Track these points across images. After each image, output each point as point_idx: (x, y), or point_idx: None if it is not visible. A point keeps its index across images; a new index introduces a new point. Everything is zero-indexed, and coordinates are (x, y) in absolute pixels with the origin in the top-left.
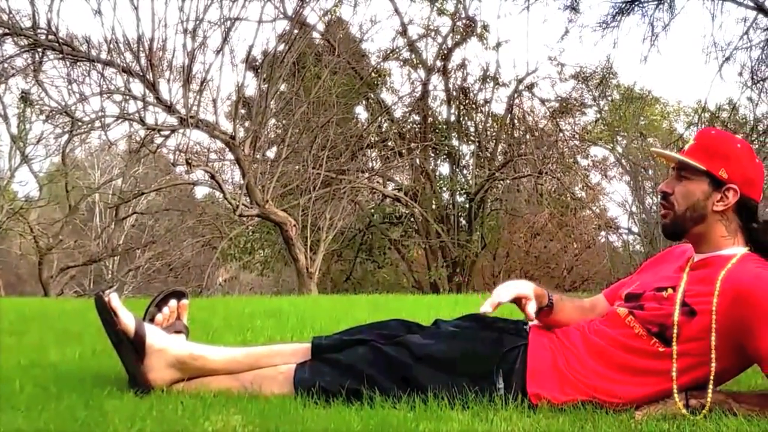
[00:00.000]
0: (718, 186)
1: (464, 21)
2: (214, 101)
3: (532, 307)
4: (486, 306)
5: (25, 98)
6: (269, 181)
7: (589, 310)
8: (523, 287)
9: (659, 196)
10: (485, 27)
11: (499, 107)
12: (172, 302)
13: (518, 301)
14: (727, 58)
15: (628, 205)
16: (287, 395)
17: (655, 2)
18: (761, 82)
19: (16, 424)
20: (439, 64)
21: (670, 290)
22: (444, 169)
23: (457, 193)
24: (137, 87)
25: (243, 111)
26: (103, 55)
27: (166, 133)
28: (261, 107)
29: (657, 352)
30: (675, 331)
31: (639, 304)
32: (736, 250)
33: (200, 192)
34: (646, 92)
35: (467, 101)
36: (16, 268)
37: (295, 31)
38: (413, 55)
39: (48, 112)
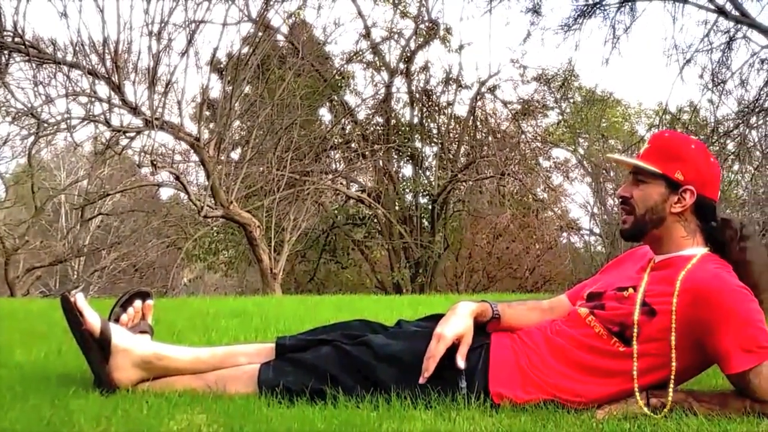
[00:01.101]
0: (674, 188)
1: (427, 24)
2: (179, 103)
3: (462, 353)
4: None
5: None
6: (233, 183)
7: (548, 311)
8: (461, 325)
9: (618, 201)
10: (448, 30)
11: (461, 109)
12: (137, 302)
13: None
14: (688, 61)
15: (589, 206)
16: (251, 395)
17: (617, 5)
18: (722, 84)
19: None
20: (402, 66)
21: (630, 290)
22: (407, 170)
23: (420, 194)
24: (103, 89)
25: (207, 113)
26: (69, 58)
27: (132, 134)
28: (225, 109)
29: (618, 352)
30: (635, 330)
31: (600, 304)
32: (696, 250)
33: (165, 193)
34: (608, 94)
35: (430, 103)
36: None
37: (260, 34)
38: (376, 58)
39: (14, 114)
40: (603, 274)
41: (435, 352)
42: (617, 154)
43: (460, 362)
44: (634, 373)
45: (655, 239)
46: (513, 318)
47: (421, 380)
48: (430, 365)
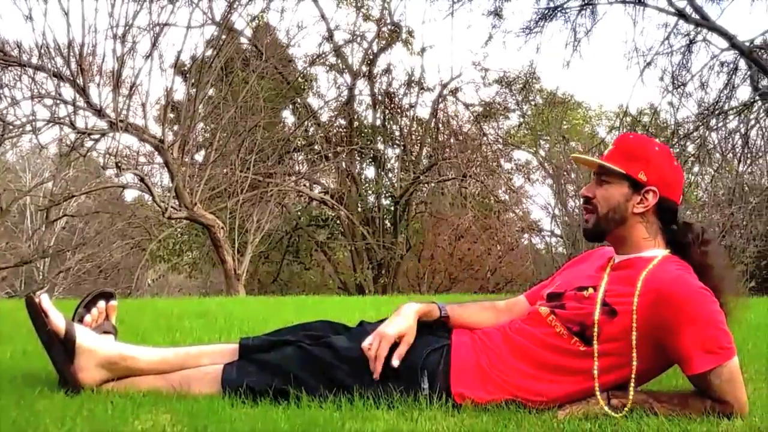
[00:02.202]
0: (637, 188)
1: (389, 26)
2: (144, 105)
3: (400, 352)
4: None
5: None
6: (197, 184)
7: (504, 311)
8: (403, 325)
9: (581, 201)
10: (410, 32)
11: (423, 111)
12: (101, 303)
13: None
14: (649, 63)
15: (550, 207)
16: (215, 395)
17: (578, 8)
18: (682, 87)
19: None
20: (364, 69)
21: (590, 290)
22: (369, 172)
23: (383, 196)
24: (68, 91)
25: (172, 115)
26: (34, 60)
27: (96, 136)
28: (189, 111)
29: (578, 351)
30: (595, 330)
31: (560, 304)
32: (657, 251)
33: (130, 195)
34: (569, 97)
35: (392, 105)
36: None
37: (223, 37)
38: (339, 60)
39: None
40: (562, 273)
41: (379, 352)
42: (582, 154)
43: (395, 362)
44: (595, 372)
45: (616, 239)
46: (464, 317)
47: (375, 377)
48: (377, 366)
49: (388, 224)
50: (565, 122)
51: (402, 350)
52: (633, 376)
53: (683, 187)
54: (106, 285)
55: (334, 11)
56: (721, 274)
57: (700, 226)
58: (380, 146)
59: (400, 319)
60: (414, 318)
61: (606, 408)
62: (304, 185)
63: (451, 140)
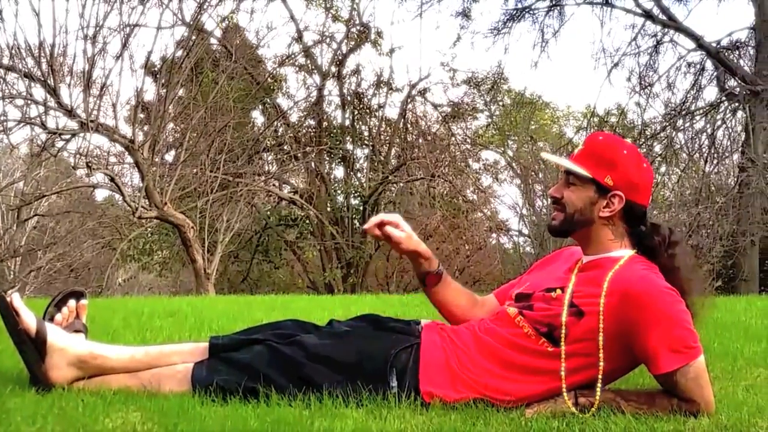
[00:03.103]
0: (603, 192)
1: (358, 27)
2: (114, 106)
3: (396, 232)
4: (369, 223)
5: None
6: (168, 184)
7: (479, 305)
8: (400, 219)
9: (550, 201)
10: (379, 33)
11: (392, 112)
12: (71, 302)
13: (385, 225)
14: (616, 64)
15: (518, 207)
16: (185, 393)
17: (546, 9)
18: (649, 88)
19: None
20: (333, 69)
21: (558, 291)
22: (339, 172)
23: (352, 195)
24: (39, 92)
25: (142, 115)
26: (5, 61)
27: (67, 136)
28: (159, 112)
29: (546, 352)
30: (563, 331)
31: (529, 305)
32: (624, 252)
33: (100, 194)
34: (537, 97)
35: (361, 106)
36: None
37: (193, 38)
38: (308, 61)
39: None
40: (531, 273)
41: (370, 220)
42: (551, 154)
43: (367, 224)
44: (562, 373)
45: (582, 239)
46: (449, 288)
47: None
48: (372, 220)
49: (357, 224)
50: (532, 122)
51: (392, 231)
52: (600, 375)
53: (652, 188)
54: (76, 284)
55: (303, 12)
56: (688, 275)
57: (668, 228)
58: (349, 146)
59: (400, 218)
60: (414, 236)
61: (573, 407)
62: (274, 185)
63: (420, 140)
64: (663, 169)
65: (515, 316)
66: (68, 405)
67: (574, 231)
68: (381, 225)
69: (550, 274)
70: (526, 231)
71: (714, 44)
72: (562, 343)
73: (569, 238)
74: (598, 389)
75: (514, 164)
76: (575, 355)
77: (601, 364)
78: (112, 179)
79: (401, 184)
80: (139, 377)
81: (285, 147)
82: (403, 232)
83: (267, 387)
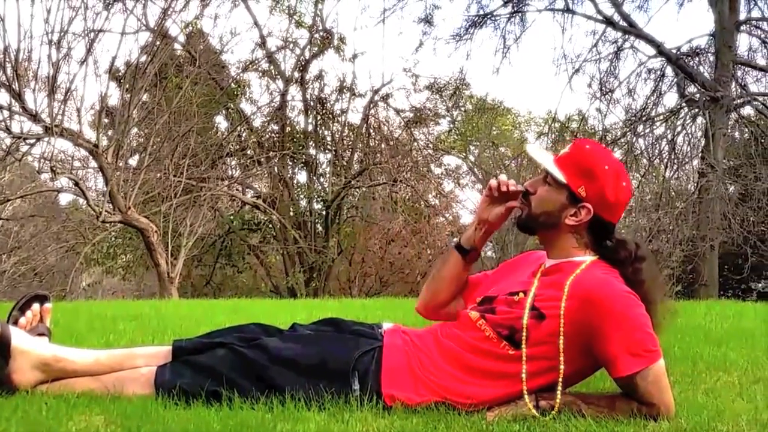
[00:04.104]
0: (574, 201)
1: (321, 33)
2: (78, 111)
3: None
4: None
5: None
6: (131, 189)
7: (458, 301)
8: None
9: (522, 192)
10: (342, 39)
11: (355, 117)
12: (35, 306)
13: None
14: (577, 70)
15: None
16: (149, 396)
17: (507, 16)
18: (609, 94)
19: None
20: (297, 75)
21: (521, 294)
22: (301, 177)
23: (314, 200)
24: (3, 96)
25: (106, 120)
26: None
27: (32, 141)
28: (124, 116)
29: (507, 355)
30: (524, 334)
31: (491, 308)
32: (586, 257)
33: (64, 199)
34: (498, 103)
35: (324, 111)
36: None
37: (157, 43)
38: (272, 67)
39: None
40: (496, 274)
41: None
42: (535, 147)
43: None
44: (523, 375)
45: (546, 240)
46: (466, 274)
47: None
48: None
49: (320, 228)
50: (494, 128)
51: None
52: (560, 378)
53: (626, 207)
54: (41, 288)
55: (267, 18)
56: (652, 289)
57: (635, 243)
58: (312, 151)
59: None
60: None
61: (534, 410)
62: (237, 189)
63: (382, 145)
64: None
65: (477, 320)
66: (32, 408)
67: (538, 230)
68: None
69: (515, 278)
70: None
71: (674, 51)
72: (523, 346)
73: (532, 244)
74: (559, 392)
75: (475, 169)
76: (536, 358)
77: (562, 366)
78: (76, 183)
79: (364, 189)
80: (102, 380)
81: (248, 152)
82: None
83: (230, 390)
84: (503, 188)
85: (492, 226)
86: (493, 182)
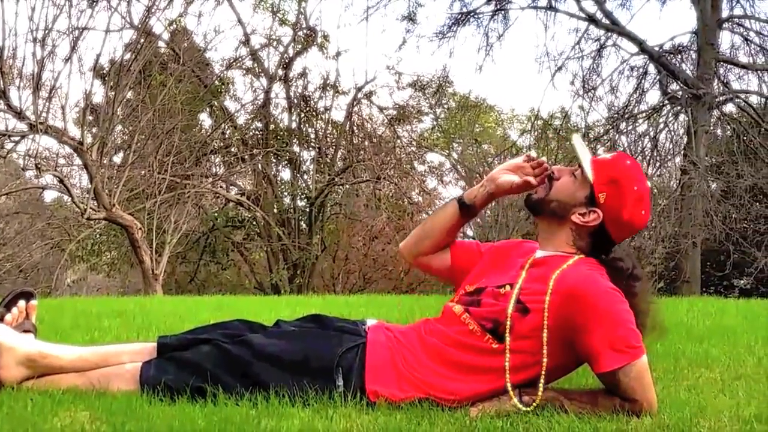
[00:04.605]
0: (590, 203)
1: (305, 31)
2: (63, 108)
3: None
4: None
5: None
6: (116, 186)
7: (442, 253)
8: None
9: (547, 176)
10: (325, 37)
11: (338, 114)
12: (21, 302)
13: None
14: (560, 68)
15: None
16: (134, 392)
17: (490, 13)
18: (592, 91)
19: None
20: (280, 72)
21: (507, 287)
22: (285, 174)
23: (298, 197)
24: None
25: (91, 117)
26: None
27: (16, 138)
28: (108, 114)
29: (491, 349)
30: (508, 326)
31: (477, 300)
32: (575, 254)
33: (49, 196)
34: (481, 100)
35: (308, 109)
36: None
37: (141, 41)
38: (255, 64)
39: None
40: (487, 260)
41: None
42: (580, 140)
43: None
44: (507, 365)
45: (546, 227)
46: (459, 227)
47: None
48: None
49: (304, 225)
50: (477, 125)
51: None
52: (543, 373)
53: (633, 234)
54: (25, 285)
55: (250, 16)
56: (645, 303)
57: (632, 263)
58: (296, 149)
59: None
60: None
61: (519, 404)
62: (221, 187)
63: (366, 143)
64: None
65: (461, 314)
66: (17, 404)
67: (544, 215)
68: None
69: (503, 269)
70: (470, 232)
71: (657, 48)
72: (507, 338)
73: (516, 237)
74: (541, 385)
75: (458, 166)
76: (519, 351)
77: (545, 361)
78: (61, 181)
79: (347, 186)
80: (87, 376)
81: (232, 149)
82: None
83: (214, 386)
84: (536, 163)
85: (498, 190)
86: (532, 153)
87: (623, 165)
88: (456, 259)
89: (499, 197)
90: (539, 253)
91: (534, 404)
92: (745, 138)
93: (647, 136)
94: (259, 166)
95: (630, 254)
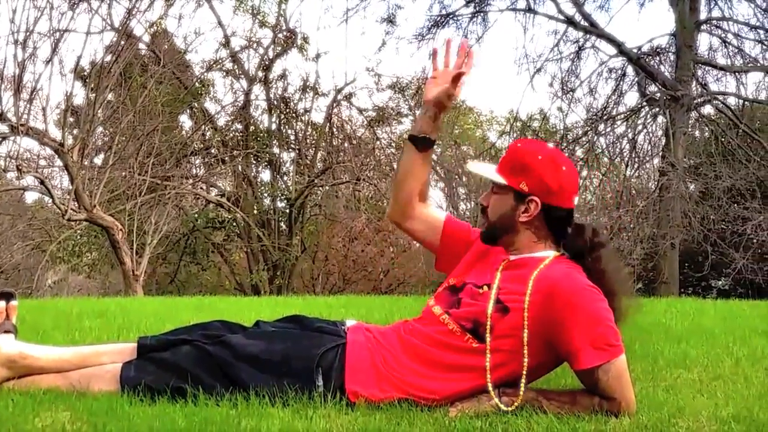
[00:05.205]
0: (521, 198)
1: (285, 33)
2: (44, 110)
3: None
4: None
5: None
6: (97, 187)
7: (427, 206)
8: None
9: (479, 208)
10: (305, 39)
11: (318, 116)
12: (1, 303)
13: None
14: (539, 70)
15: (442, 210)
16: (114, 393)
17: (469, 15)
18: (571, 93)
19: None
20: (260, 74)
21: (485, 287)
22: (265, 175)
23: (278, 198)
24: None
25: (72, 119)
26: None
27: None
28: (89, 116)
29: (471, 348)
30: (488, 326)
31: (457, 300)
32: (548, 252)
33: (30, 197)
34: (460, 102)
35: (288, 110)
36: None
37: (122, 43)
38: (236, 66)
39: None
40: (474, 245)
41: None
42: (474, 162)
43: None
44: (487, 365)
45: (508, 244)
46: (426, 169)
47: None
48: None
49: (284, 226)
50: (456, 127)
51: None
52: (524, 372)
53: (576, 191)
54: (6, 285)
55: (230, 18)
56: (614, 277)
57: (591, 228)
58: (276, 150)
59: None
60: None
61: (500, 404)
62: (201, 188)
63: (345, 144)
64: (585, 173)
65: (440, 315)
66: None
67: (499, 238)
68: (457, 78)
69: (482, 270)
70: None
71: (635, 50)
72: (487, 338)
73: None
74: (522, 387)
75: (438, 168)
76: (500, 350)
77: (525, 360)
78: (41, 182)
79: (327, 188)
80: (68, 377)
81: (212, 151)
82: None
83: (195, 387)
84: (445, 50)
85: (438, 106)
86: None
87: (518, 149)
88: (446, 237)
89: (444, 112)
90: (512, 256)
91: (514, 405)
92: (723, 139)
93: (626, 138)
94: (239, 167)
95: (591, 225)
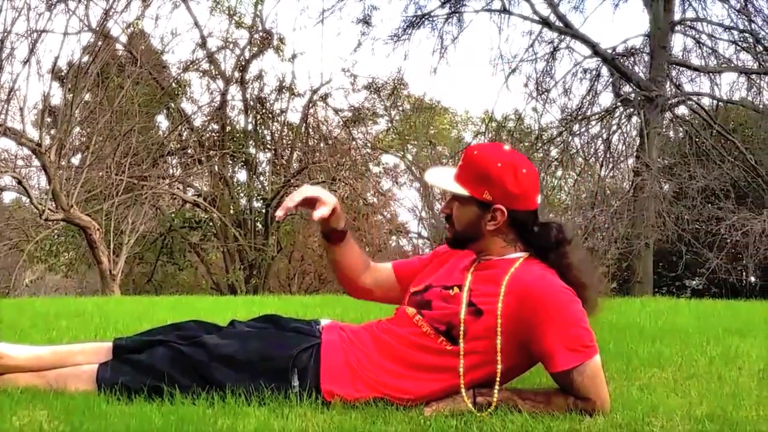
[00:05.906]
0: (486, 207)
1: (261, 34)
2: (21, 110)
3: (320, 211)
4: (279, 211)
5: None
6: (74, 187)
7: (371, 270)
8: (323, 193)
9: (443, 217)
10: (281, 39)
11: (294, 116)
12: None
13: (312, 202)
14: (513, 70)
15: (417, 210)
16: (91, 392)
17: (445, 16)
18: (546, 93)
19: None
20: (237, 75)
21: (456, 289)
22: (241, 175)
23: (254, 198)
24: None
25: (49, 119)
26: None
27: None
28: (66, 116)
29: (444, 350)
30: (461, 329)
31: (427, 302)
32: (519, 254)
33: (8, 197)
34: (436, 102)
35: (264, 111)
36: None
37: (99, 43)
38: (212, 67)
39: None
40: (431, 261)
41: (291, 197)
42: (432, 172)
43: (279, 212)
44: (461, 370)
45: (477, 249)
46: (351, 249)
47: (278, 215)
48: (286, 204)
49: (260, 226)
50: (432, 127)
51: (324, 211)
52: (498, 374)
53: (538, 190)
54: None
55: (207, 19)
56: (580, 269)
57: (556, 226)
58: (252, 150)
59: (322, 190)
60: (336, 199)
61: (471, 406)
62: (178, 188)
63: (321, 144)
64: (559, 173)
65: (413, 316)
66: None
67: (467, 244)
68: (306, 204)
69: (449, 271)
70: (425, 233)
71: (610, 51)
72: (461, 341)
73: None
74: (496, 388)
75: (413, 168)
76: (473, 353)
77: (499, 361)
78: (19, 182)
79: None
80: (45, 376)
81: (189, 151)
82: (326, 207)
83: (171, 387)
84: (294, 207)
85: (325, 220)
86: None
87: (475, 158)
88: (404, 280)
89: (333, 211)
90: (482, 258)
91: (491, 407)
92: (697, 140)
93: (600, 138)
94: (216, 167)
95: (556, 223)
